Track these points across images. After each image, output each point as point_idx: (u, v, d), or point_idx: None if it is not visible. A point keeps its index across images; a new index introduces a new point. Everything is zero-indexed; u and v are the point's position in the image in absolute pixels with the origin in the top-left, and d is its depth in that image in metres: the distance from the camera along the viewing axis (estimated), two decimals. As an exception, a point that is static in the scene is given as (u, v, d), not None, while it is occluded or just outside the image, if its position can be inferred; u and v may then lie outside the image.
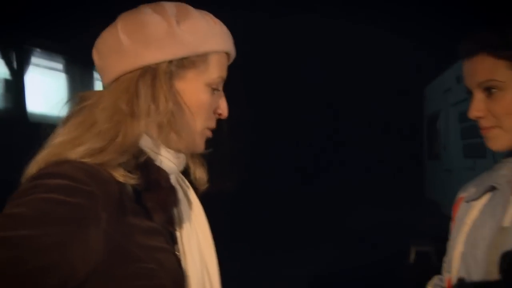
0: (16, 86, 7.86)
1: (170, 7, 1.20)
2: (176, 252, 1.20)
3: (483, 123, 1.37)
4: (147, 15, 1.18)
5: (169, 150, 1.22)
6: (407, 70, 12.66)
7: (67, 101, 1.20)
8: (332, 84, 14.54)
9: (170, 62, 1.17)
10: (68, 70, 8.92)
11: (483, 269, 1.33)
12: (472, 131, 5.88)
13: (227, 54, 1.27)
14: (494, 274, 1.32)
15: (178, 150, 1.24)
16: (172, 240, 1.21)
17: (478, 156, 5.72)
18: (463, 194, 1.50)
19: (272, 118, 14.98)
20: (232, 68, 1.32)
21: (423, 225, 7.52)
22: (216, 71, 1.23)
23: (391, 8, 9.80)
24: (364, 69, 13.52)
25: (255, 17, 10.01)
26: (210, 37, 1.21)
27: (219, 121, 1.29)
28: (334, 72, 13.87)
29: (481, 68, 1.35)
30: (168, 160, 1.22)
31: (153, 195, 1.15)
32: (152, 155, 1.19)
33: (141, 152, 1.17)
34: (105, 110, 1.13)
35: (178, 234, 1.23)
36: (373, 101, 14.89)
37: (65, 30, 8.13)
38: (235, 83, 1.67)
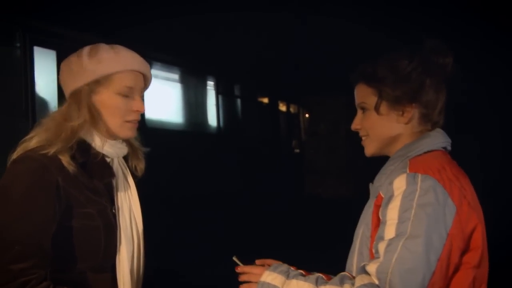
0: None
1: (86, 48, 1.86)
2: (113, 210, 1.85)
3: (360, 133, 1.85)
4: (71, 58, 1.86)
5: (107, 140, 1.85)
6: None
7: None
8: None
9: (87, 85, 1.80)
10: (183, 80, 9.57)
11: None
12: None
13: (134, 70, 1.84)
14: None
15: (109, 138, 1.86)
16: (111, 202, 1.86)
17: None
18: None
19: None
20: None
21: None
22: (122, 83, 1.82)
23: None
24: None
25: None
26: (112, 63, 1.80)
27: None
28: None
29: (359, 92, 1.84)
30: (106, 147, 1.85)
31: (92, 166, 1.81)
32: (90, 142, 1.84)
33: (83, 140, 1.82)
34: (54, 118, 1.83)
35: (115, 198, 1.87)
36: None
37: (181, 44, 8.83)
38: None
